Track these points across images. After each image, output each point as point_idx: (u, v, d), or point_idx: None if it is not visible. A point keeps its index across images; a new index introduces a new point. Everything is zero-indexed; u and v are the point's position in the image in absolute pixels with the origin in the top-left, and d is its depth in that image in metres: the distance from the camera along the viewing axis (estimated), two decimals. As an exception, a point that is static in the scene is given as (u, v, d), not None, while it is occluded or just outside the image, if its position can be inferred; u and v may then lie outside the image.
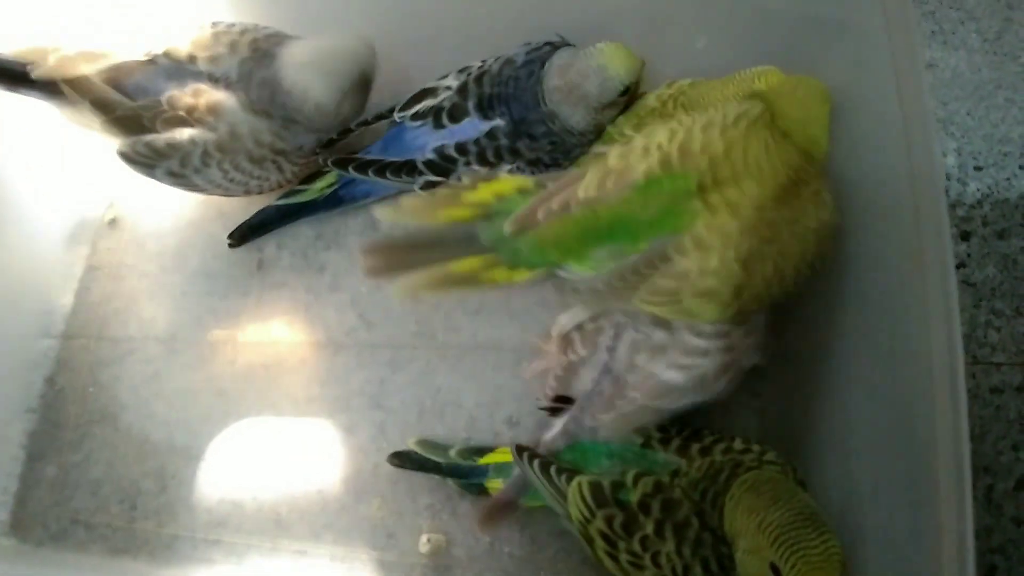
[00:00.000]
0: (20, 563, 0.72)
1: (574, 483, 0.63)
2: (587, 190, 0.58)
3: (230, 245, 0.83)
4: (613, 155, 0.59)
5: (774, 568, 0.54)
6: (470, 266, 0.60)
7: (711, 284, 0.56)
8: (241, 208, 0.83)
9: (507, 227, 0.59)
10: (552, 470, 0.64)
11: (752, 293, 0.57)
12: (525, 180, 0.61)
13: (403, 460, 0.72)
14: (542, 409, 0.73)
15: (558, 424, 0.67)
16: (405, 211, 0.61)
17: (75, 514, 0.74)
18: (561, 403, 0.70)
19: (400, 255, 0.61)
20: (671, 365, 0.61)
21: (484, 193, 0.61)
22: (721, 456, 0.62)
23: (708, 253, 0.56)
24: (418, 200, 0.61)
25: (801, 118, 0.59)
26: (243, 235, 0.82)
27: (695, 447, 0.63)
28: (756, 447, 0.63)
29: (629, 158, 0.58)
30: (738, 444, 0.63)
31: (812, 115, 0.59)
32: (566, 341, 0.66)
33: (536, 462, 0.65)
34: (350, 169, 0.76)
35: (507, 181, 0.61)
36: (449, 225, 0.61)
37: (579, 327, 0.66)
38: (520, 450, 0.66)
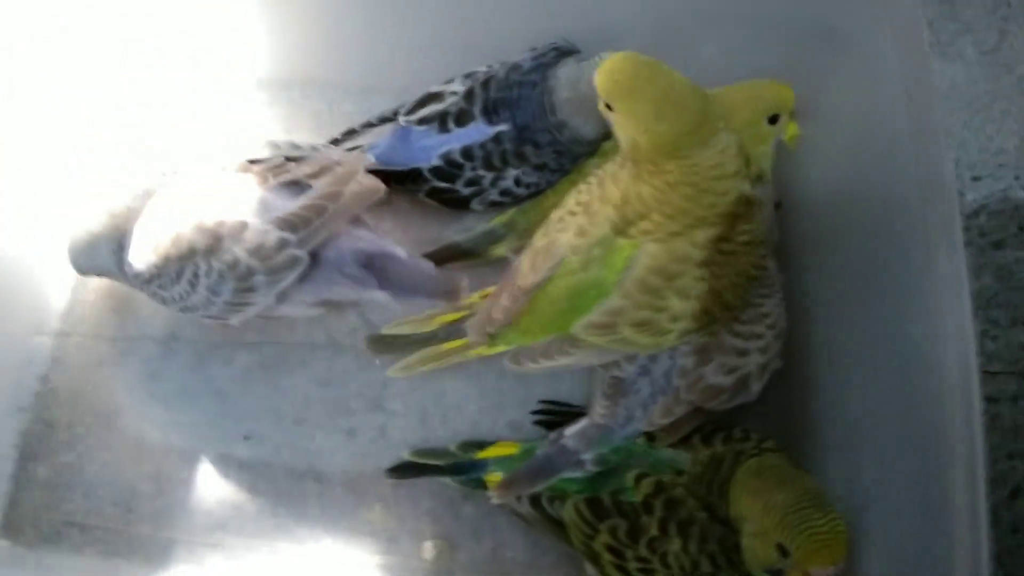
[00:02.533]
0: (12, 565, 0.71)
1: (568, 505, 0.63)
2: (524, 278, 0.63)
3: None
4: (538, 235, 0.64)
5: (781, 548, 0.54)
6: (457, 346, 0.69)
7: (644, 316, 0.59)
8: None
9: (481, 337, 0.67)
10: (543, 500, 0.65)
11: (694, 317, 0.59)
12: None
13: (401, 472, 0.71)
14: (537, 424, 0.73)
15: (579, 425, 0.67)
16: (403, 324, 0.72)
17: (69, 516, 0.73)
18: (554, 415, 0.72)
19: (399, 342, 0.72)
20: (717, 369, 0.63)
21: (472, 299, 0.71)
22: (722, 446, 0.63)
23: (638, 286, 0.58)
24: (414, 318, 0.72)
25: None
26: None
27: (696, 436, 0.65)
28: (754, 436, 0.64)
29: (550, 233, 0.62)
30: (737, 433, 0.64)
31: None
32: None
33: (525, 499, 0.66)
34: None
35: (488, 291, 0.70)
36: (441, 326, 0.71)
37: None
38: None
